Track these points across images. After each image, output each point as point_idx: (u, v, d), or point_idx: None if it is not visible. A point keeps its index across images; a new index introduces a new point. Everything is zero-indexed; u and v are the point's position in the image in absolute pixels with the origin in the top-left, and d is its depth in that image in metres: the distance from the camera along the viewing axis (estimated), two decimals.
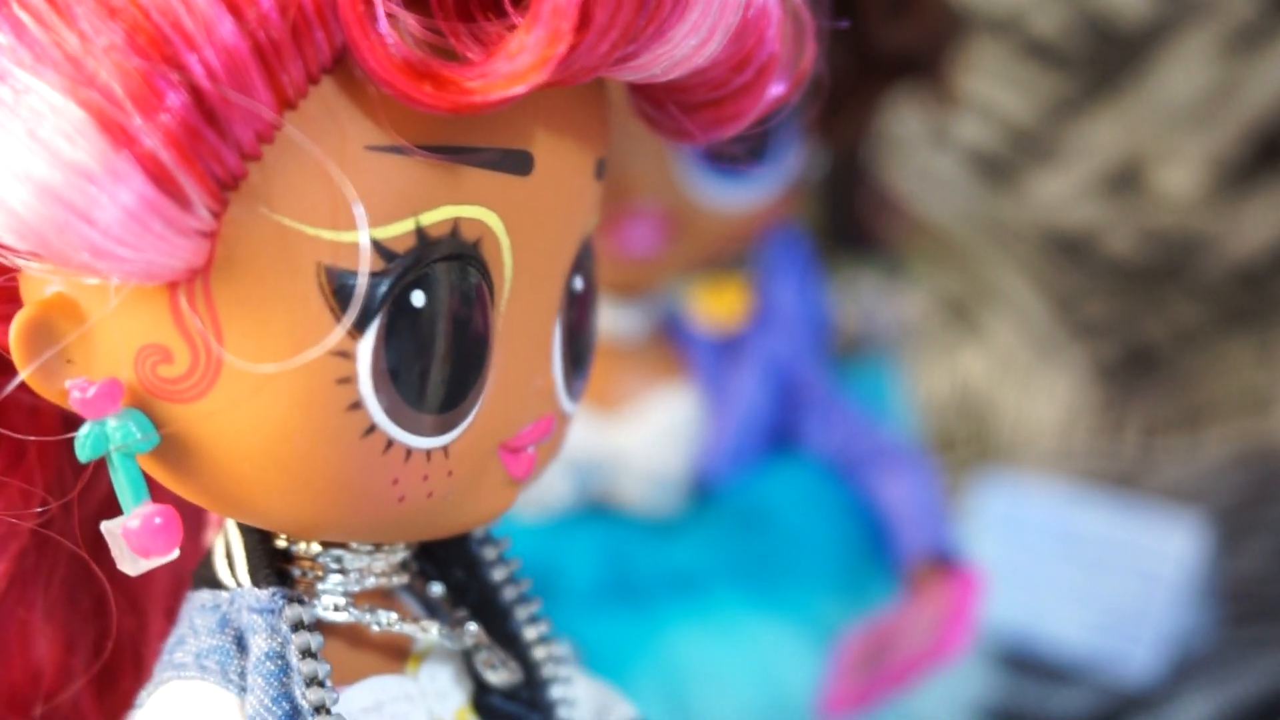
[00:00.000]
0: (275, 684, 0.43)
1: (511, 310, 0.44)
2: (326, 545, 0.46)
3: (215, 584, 0.46)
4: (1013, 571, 1.09)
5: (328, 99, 0.39)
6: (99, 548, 0.43)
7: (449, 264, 0.41)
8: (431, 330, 0.41)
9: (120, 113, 0.37)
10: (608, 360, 0.82)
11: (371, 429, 0.41)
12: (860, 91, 0.84)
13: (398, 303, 0.41)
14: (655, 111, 0.45)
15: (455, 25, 0.39)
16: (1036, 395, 1.25)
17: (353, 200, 0.39)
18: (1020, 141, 1.12)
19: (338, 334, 0.40)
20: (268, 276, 0.40)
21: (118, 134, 0.37)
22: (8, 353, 0.42)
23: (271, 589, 0.44)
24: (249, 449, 0.41)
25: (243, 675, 0.44)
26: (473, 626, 0.49)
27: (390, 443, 0.42)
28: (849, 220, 1.33)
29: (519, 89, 0.38)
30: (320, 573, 0.46)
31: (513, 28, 0.39)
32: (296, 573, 0.46)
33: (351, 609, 0.46)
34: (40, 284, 0.42)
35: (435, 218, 0.41)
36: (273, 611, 0.44)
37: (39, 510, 0.46)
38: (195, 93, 0.37)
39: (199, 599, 0.46)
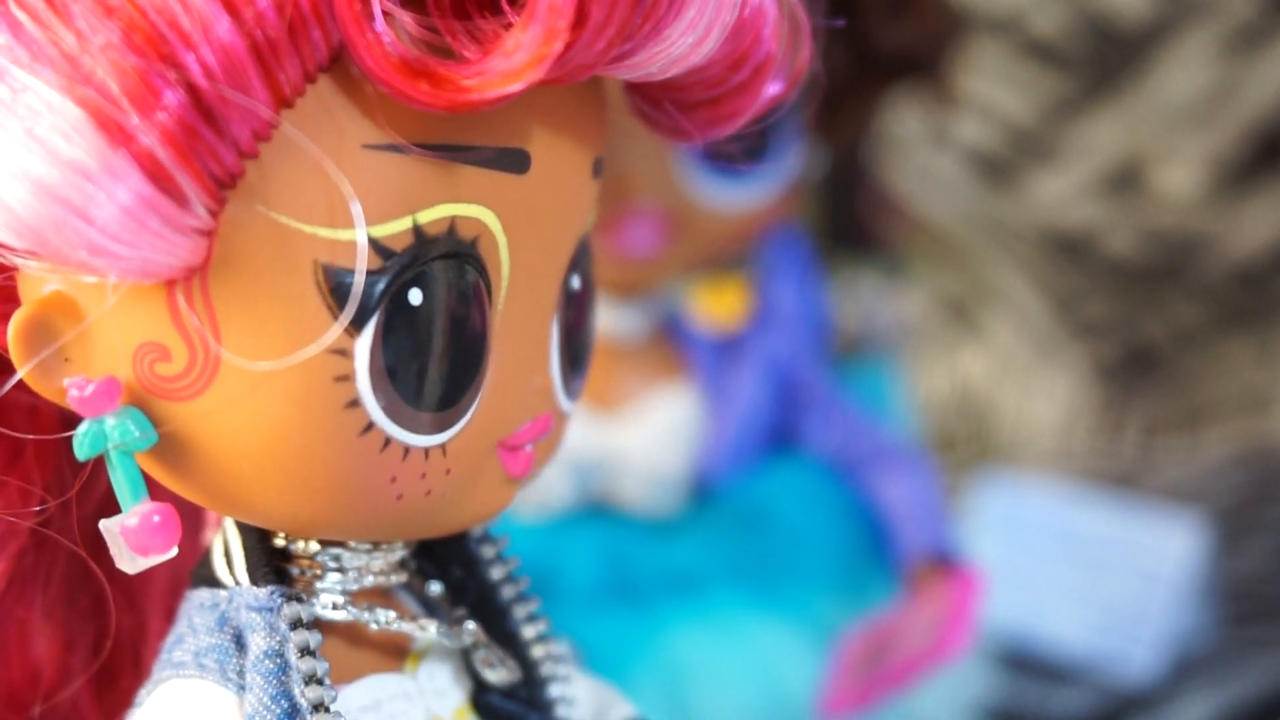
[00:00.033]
0: (274, 682, 0.43)
1: (509, 308, 0.44)
2: (325, 544, 0.46)
3: (214, 582, 0.46)
4: (1013, 571, 1.09)
5: (325, 97, 0.39)
6: (98, 546, 0.43)
7: (446, 262, 0.41)
8: (429, 328, 0.41)
9: (117, 111, 0.37)
10: (607, 360, 0.82)
11: (369, 427, 0.41)
12: (860, 91, 0.84)
13: (395, 301, 0.41)
14: (652, 110, 0.45)
15: (451, 23, 0.39)
16: (1036, 395, 1.24)
17: (350, 198, 0.39)
18: (1020, 141, 1.12)
19: (335, 332, 0.40)
20: (265, 274, 0.40)
21: (115, 132, 0.37)
22: (6, 351, 0.42)
23: (270, 587, 0.44)
24: (247, 447, 0.42)
25: (241, 673, 0.44)
26: (471, 625, 0.49)
27: (388, 441, 0.42)
28: (849, 220, 1.33)
29: (515, 87, 0.38)
30: (319, 571, 0.46)
31: (509, 26, 0.39)
32: (295, 571, 0.46)
33: (350, 607, 0.46)
34: (38, 282, 0.42)
35: (432, 216, 0.41)
36: (271, 610, 0.44)
37: (38, 509, 0.46)
38: (192, 91, 0.37)
39: (197, 597, 0.46)
